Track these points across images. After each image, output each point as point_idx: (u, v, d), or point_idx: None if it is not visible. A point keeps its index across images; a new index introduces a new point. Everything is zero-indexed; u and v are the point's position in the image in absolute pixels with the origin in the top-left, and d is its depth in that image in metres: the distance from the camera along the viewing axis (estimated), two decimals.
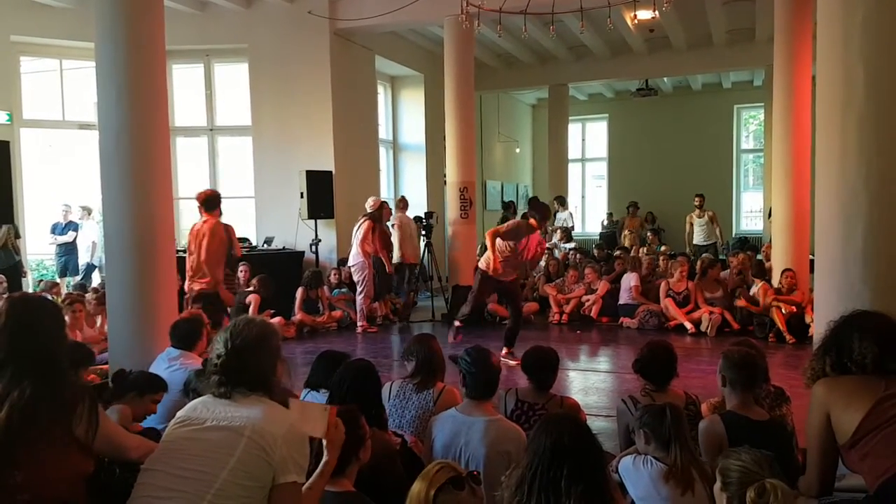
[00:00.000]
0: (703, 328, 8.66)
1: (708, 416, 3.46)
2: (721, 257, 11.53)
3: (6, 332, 2.39)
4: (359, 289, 9.27)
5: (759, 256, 10.20)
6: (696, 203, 13.04)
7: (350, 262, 9.37)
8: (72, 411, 2.33)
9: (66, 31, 10.11)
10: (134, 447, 2.59)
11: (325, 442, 2.45)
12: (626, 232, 14.14)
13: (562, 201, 14.53)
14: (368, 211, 9.34)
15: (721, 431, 3.11)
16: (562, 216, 14.14)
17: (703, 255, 11.28)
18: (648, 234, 14.10)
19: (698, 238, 12.88)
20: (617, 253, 11.65)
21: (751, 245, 12.99)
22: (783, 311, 8.18)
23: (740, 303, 8.72)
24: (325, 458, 2.45)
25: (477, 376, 3.36)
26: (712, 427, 3.17)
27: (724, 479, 2.30)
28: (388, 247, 9.89)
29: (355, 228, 9.32)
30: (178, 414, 2.43)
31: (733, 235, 16.75)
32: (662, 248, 12.81)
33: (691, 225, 13.12)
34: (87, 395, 2.43)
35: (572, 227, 14.28)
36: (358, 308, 9.33)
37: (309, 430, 2.36)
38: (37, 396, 2.29)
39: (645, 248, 12.54)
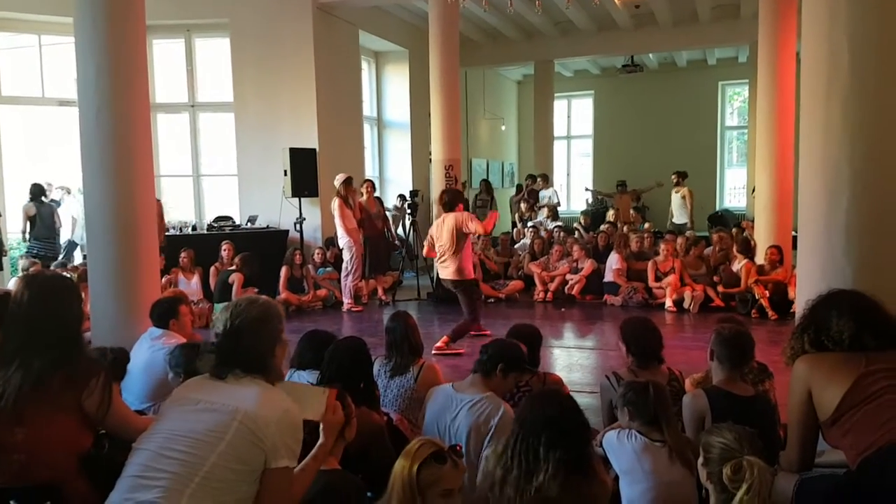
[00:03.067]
0: (685, 305, 8.73)
1: (691, 391, 3.49)
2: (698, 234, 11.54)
3: (25, 309, 2.48)
4: (347, 267, 9.25)
5: (745, 234, 10.24)
6: (674, 181, 12.99)
7: (339, 243, 9.37)
8: (84, 383, 2.42)
9: (44, 6, 9.92)
10: (144, 429, 2.58)
11: (321, 425, 2.45)
12: (612, 211, 14.14)
13: (545, 178, 14.53)
14: (337, 188, 9.30)
15: (705, 406, 3.14)
16: (546, 193, 14.13)
17: (688, 232, 11.32)
18: (632, 212, 14.13)
19: (675, 216, 12.85)
20: (603, 227, 11.66)
21: (731, 221, 13.05)
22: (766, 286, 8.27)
23: (720, 289, 8.79)
24: (320, 441, 2.44)
25: (486, 349, 3.43)
26: (696, 402, 3.19)
27: (706, 454, 2.34)
28: (372, 222, 9.88)
29: (332, 209, 9.29)
30: (174, 392, 2.43)
31: (715, 210, 16.86)
32: (646, 225, 12.85)
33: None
34: (102, 372, 2.50)
35: (558, 204, 14.29)
36: (344, 287, 9.31)
37: (307, 413, 2.36)
38: (52, 364, 2.39)
39: (626, 227, 12.54)
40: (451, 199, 7.10)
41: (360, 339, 3.59)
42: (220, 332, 2.36)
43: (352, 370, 3.31)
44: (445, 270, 6.99)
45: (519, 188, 15.53)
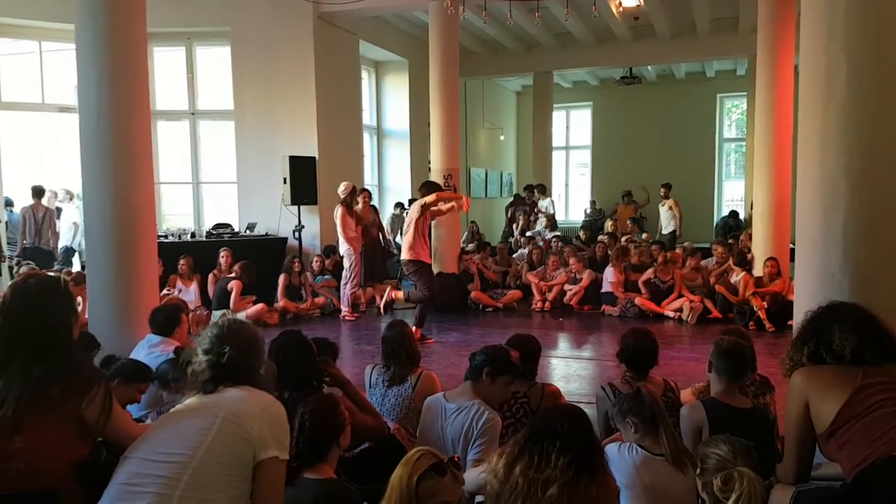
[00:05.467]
0: (684, 316, 8.73)
1: (690, 402, 3.49)
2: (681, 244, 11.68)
3: (11, 315, 2.45)
4: (345, 275, 9.25)
5: (741, 246, 10.26)
6: (661, 193, 13.21)
7: (340, 251, 9.39)
8: (84, 392, 2.39)
9: (45, 13, 9.93)
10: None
11: None
12: (610, 221, 14.19)
13: (542, 189, 14.57)
14: (341, 197, 9.31)
15: (702, 418, 3.14)
16: (543, 203, 14.17)
17: (685, 243, 11.36)
18: (629, 222, 14.18)
19: (663, 226, 13.13)
20: (601, 238, 11.68)
21: (734, 232, 13.15)
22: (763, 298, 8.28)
23: (719, 288, 8.79)
24: None
25: (473, 357, 3.44)
26: (693, 413, 3.19)
27: (702, 465, 2.35)
28: (367, 230, 9.91)
29: (334, 217, 9.30)
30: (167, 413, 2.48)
31: (715, 223, 16.93)
32: (643, 235, 12.89)
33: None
34: (102, 381, 2.48)
35: (554, 214, 14.32)
36: (343, 295, 9.30)
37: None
38: (52, 372, 2.36)
39: (624, 238, 12.58)
40: (428, 191, 7.58)
41: (294, 331, 3.54)
42: (206, 348, 2.41)
43: (291, 365, 3.29)
44: (403, 252, 7.64)
45: (517, 198, 15.53)
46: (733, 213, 15.46)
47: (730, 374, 3.27)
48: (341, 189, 9.32)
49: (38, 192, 10.09)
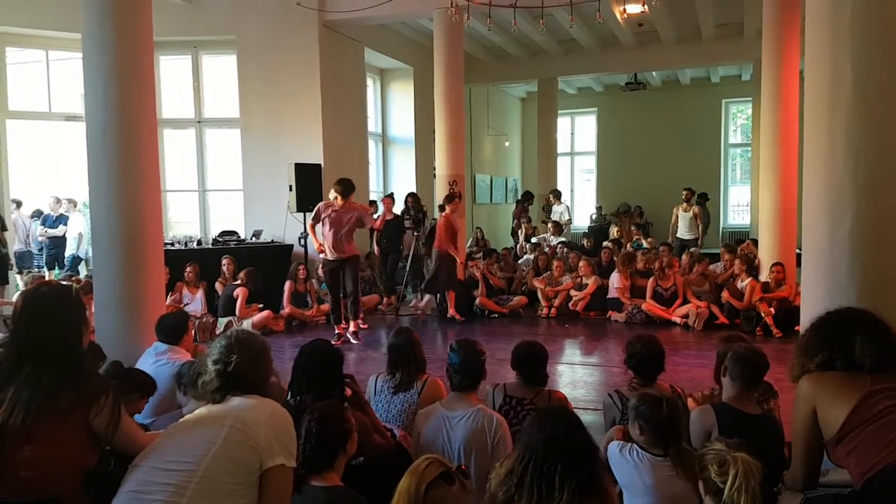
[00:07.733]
0: (690, 322, 8.70)
1: (699, 407, 3.48)
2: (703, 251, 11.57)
3: (23, 323, 2.45)
4: None
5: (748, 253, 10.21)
6: (684, 197, 12.98)
7: None
8: (93, 401, 2.40)
9: (52, 22, 10.01)
10: None
11: None
12: (615, 227, 14.15)
13: (557, 194, 14.55)
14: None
15: (712, 422, 3.13)
16: (557, 209, 14.16)
17: (692, 249, 11.32)
18: (633, 228, 14.12)
19: (682, 231, 12.82)
20: (606, 244, 11.66)
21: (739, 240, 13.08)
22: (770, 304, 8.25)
23: (726, 295, 8.76)
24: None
25: (458, 367, 3.42)
26: (704, 418, 3.17)
27: (700, 464, 2.35)
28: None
29: None
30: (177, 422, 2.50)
31: (721, 229, 16.88)
32: (650, 239, 12.84)
33: (677, 217, 12.96)
34: (111, 390, 2.48)
35: (568, 221, 14.30)
36: None
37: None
38: (61, 381, 2.36)
39: (629, 244, 12.54)
40: (343, 189, 8.07)
41: (324, 340, 3.56)
42: (214, 359, 2.43)
43: (319, 374, 3.29)
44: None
45: (518, 203, 15.53)
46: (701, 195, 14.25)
47: (745, 380, 3.25)
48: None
49: (19, 204, 10.56)
